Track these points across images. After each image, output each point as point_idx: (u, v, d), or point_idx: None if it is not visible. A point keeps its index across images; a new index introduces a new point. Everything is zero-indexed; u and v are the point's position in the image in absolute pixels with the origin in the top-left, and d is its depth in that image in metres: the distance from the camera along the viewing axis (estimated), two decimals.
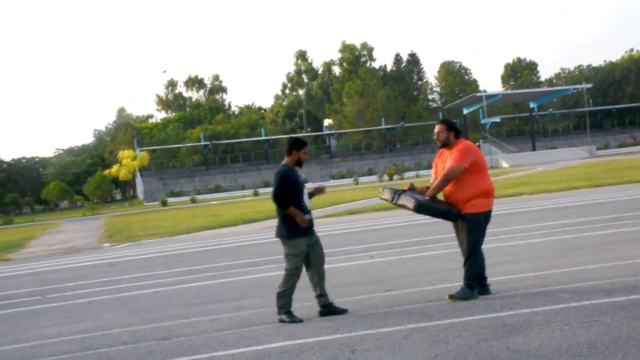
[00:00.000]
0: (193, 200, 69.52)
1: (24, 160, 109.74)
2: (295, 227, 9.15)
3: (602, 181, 32.08)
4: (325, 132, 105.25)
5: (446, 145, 9.62)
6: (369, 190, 46.06)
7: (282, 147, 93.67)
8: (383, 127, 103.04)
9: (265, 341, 8.30)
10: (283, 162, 9.45)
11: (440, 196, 9.82)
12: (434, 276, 11.43)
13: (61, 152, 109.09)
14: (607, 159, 69.75)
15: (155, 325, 10.04)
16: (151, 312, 11.26)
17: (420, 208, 9.47)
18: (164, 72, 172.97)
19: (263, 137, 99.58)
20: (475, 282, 9.20)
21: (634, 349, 6.20)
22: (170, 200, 75.03)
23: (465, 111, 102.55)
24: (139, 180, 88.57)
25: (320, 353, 7.54)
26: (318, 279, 9.28)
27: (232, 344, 8.33)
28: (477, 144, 76.35)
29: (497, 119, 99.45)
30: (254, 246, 19.71)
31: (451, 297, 9.13)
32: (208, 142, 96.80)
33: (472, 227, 9.35)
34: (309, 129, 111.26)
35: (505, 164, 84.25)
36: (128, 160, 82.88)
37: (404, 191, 9.75)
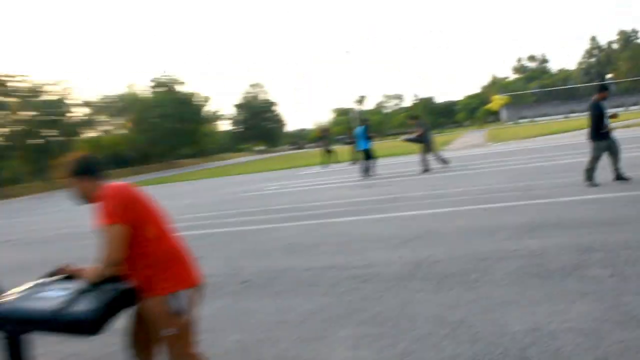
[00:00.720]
0: (532, 122, 66.16)
1: (437, 101, 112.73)
2: (599, 134, 9.24)
3: None
4: None
5: None
6: None
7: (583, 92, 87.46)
8: None
9: (582, 194, 8.33)
10: (594, 98, 9.46)
11: None
12: None
13: (467, 96, 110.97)
14: None
15: (518, 185, 10.01)
16: (525, 177, 10.98)
17: None
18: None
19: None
20: None
21: None
22: (519, 121, 72.35)
23: None
24: (502, 111, 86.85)
25: (622, 205, 7.24)
26: (614, 160, 9.27)
27: (560, 195, 8.41)
28: None
29: None
30: (569, 145, 18.25)
31: None
32: (538, 90, 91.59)
33: None
34: None
35: None
36: (498, 101, 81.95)
37: None
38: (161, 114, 58.97)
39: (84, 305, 2.56)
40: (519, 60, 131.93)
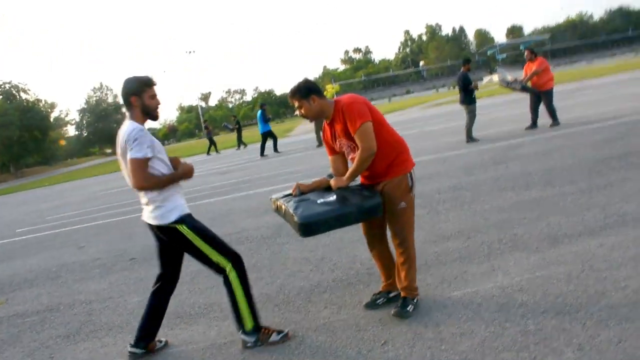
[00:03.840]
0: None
1: (277, 93, 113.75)
2: (471, 98, 10.06)
3: None
4: None
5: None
6: None
7: (402, 78, 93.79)
8: None
9: None
10: (462, 70, 10.24)
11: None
12: None
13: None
14: None
15: None
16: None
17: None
18: None
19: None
20: None
21: None
22: None
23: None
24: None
25: (435, 164, 8.42)
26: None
27: None
28: None
29: None
30: (392, 123, 19.93)
31: None
32: (364, 78, 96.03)
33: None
34: None
35: None
36: (330, 89, 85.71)
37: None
38: (0, 124, 53.27)
39: (368, 196, 3.02)
40: (346, 52, 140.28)
